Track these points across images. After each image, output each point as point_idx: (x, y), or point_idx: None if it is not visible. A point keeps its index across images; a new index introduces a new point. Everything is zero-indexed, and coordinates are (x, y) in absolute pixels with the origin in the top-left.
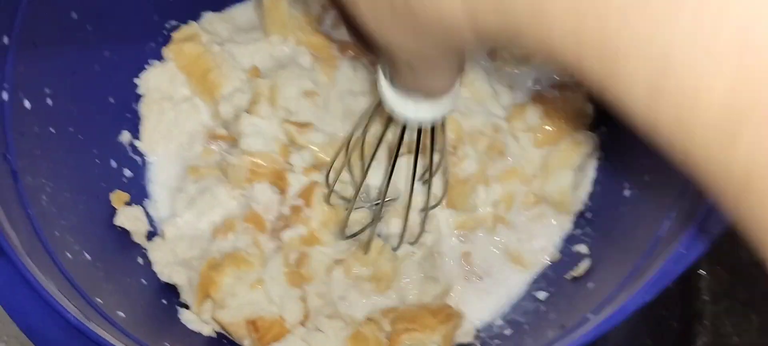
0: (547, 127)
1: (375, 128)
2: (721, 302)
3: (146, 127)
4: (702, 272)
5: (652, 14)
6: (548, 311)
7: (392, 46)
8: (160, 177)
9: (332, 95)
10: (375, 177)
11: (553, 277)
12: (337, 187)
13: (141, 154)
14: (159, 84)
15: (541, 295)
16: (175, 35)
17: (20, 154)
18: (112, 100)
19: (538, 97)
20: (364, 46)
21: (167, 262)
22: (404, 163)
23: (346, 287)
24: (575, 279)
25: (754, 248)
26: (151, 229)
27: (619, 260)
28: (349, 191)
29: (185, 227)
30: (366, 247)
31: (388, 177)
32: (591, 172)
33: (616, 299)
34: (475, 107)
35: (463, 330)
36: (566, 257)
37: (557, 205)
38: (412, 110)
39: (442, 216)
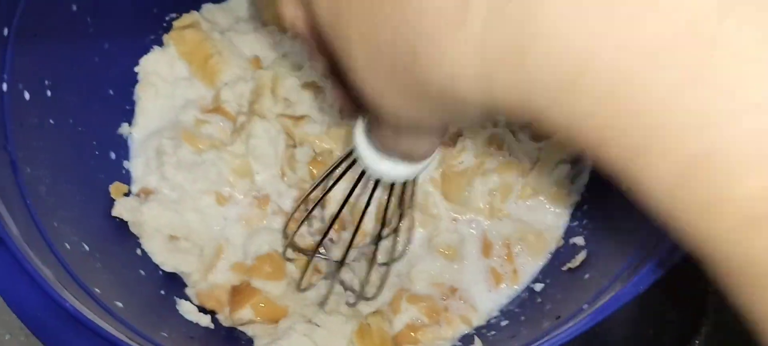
0: None
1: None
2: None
3: (141, 108)
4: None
5: (690, 115)
6: (544, 302)
7: (385, 111)
8: (148, 130)
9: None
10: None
11: (549, 268)
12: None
13: None
14: (158, 68)
15: (538, 286)
16: (176, 22)
17: (19, 146)
18: (111, 91)
19: None
20: (351, 102)
21: (162, 250)
22: (371, 212)
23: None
24: (571, 270)
25: (757, 336)
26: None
27: (615, 251)
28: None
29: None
30: (324, 301)
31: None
32: (587, 162)
33: (611, 289)
34: None
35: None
36: (563, 248)
37: (553, 197)
38: (389, 167)
39: (441, 206)
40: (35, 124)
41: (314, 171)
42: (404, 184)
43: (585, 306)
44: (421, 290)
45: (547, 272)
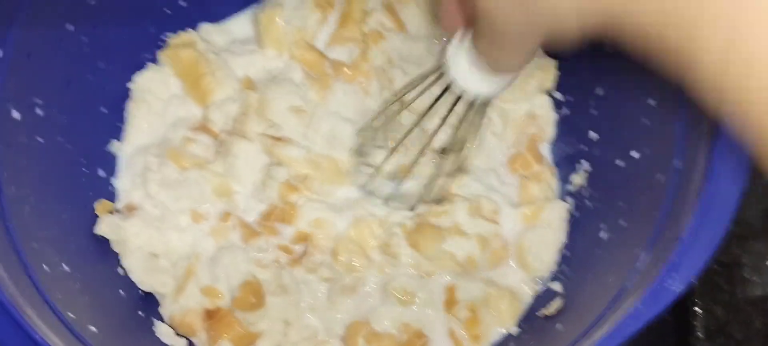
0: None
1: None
2: (716, 339)
3: (132, 125)
4: (697, 309)
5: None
6: None
7: (499, 16)
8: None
9: (321, 113)
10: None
11: (525, 314)
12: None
13: None
14: (152, 86)
15: (514, 330)
16: (172, 40)
17: (5, 165)
18: (103, 109)
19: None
20: (456, 16)
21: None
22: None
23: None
24: (546, 318)
25: None
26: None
27: (588, 305)
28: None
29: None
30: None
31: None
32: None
33: None
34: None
35: None
36: (541, 293)
37: (526, 267)
38: (477, 80)
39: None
40: (23, 144)
41: (285, 193)
42: (478, 108)
43: None
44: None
45: (525, 317)
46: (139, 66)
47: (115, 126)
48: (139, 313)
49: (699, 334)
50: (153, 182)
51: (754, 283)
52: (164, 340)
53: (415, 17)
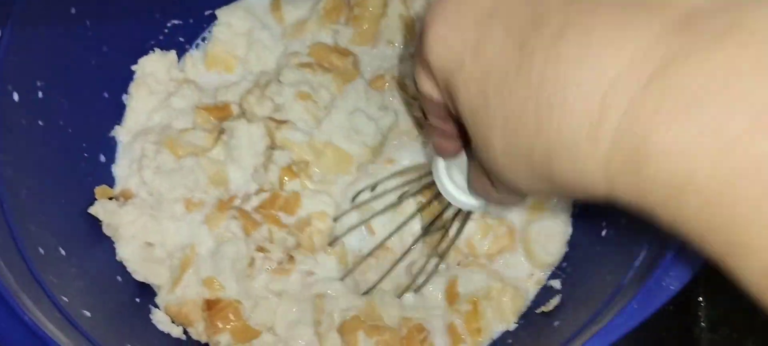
0: None
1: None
2: (719, 329)
3: (131, 107)
4: (700, 299)
5: None
6: (514, 344)
7: (509, 181)
8: (136, 131)
9: (340, 106)
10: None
11: (525, 310)
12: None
13: None
14: (155, 69)
15: (513, 326)
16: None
17: (3, 147)
18: (106, 94)
19: None
20: (450, 147)
21: (137, 258)
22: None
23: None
24: (544, 314)
25: None
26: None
27: (585, 302)
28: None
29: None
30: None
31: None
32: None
33: (570, 345)
34: None
35: None
36: (541, 290)
37: (533, 258)
38: (465, 199)
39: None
40: (23, 126)
41: (285, 178)
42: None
43: None
44: (388, 321)
45: (524, 313)
46: (145, 53)
47: (117, 112)
48: (136, 300)
49: (702, 324)
50: (148, 169)
51: None
52: (160, 327)
53: None
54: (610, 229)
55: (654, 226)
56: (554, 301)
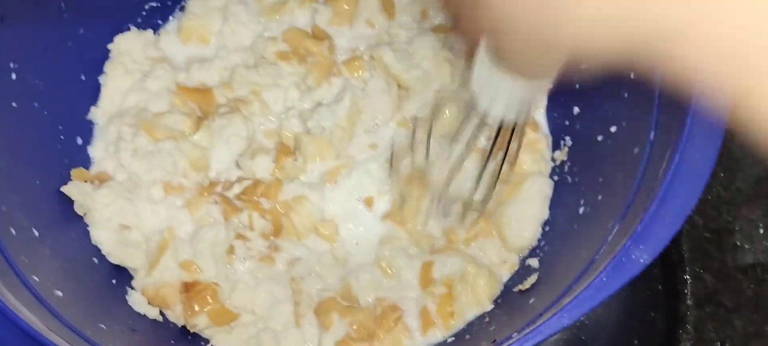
0: None
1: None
2: (705, 307)
3: (107, 87)
4: (687, 277)
5: None
6: (491, 322)
7: (522, 31)
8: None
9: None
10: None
11: (504, 289)
12: None
13: None
14: (131, 48)
15: (489, 308)
16: None
17: None
18: (83, 76)
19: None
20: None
21: (112, 241)
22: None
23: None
24: (521, 292)
25: None
26: None
27: (561, 278)
28: None
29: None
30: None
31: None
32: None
33: (543, 320)
34: None
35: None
36: (519, 269)
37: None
38: (508, 91)
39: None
40: None
41: (267, 165)
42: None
43: (513, 334)
44: (362, 300)
45: (502, 292)
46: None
47: (94, 95)
48: (113, 281)
49: (689, 302)
50: (125, 152)
51: (745, 250)
52: (136, 308)
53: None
54: (588, 206)
55: (626, 201)
56: (531, 279)
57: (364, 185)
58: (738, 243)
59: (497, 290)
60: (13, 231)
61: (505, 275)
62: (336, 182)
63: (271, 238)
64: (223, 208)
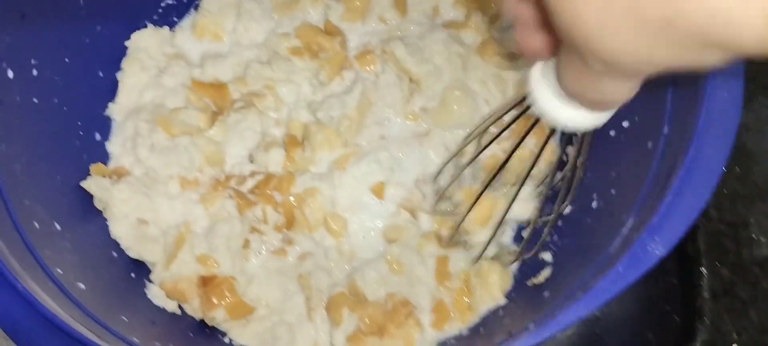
0: None
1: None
2: (722, 299)
3: (124, 84)
4: (703, 269)
5: None
6: (505, 316)
7: (604, 48)
8: (129, 109)
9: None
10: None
11: (517, 283)
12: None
13: None
14: (148, 45)
15: (503, 302)
16: None
17: None
18: (101, 73)
19: None
20: (537, 43)
21: (131, 236)
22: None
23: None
24: (535, 286)
25: None
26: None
27: (575, 272)
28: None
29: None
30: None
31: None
32: None
33: (560, 311)
34: None
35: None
36: (532, 263)
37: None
38: (572, 115)
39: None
40: (17, 103)
41: (279, 159)
42: (581, 136)
43: (530, 326)
44: (371, 295)
45: (515, 286)
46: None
47: (112, 91)
48: (132, 275)
49: (705, 295)
50: (142, 147)
51: (761, 243)
52: (155, 302)
53: None
54: (601, 200)
55: (641, 194)
56: (545, 273)
57: (374, 172)
58: (754, 237)
59: (508, 284)
60: (37, 225)
61: (516, 267)
62: (345, 169)
63: (284, 230)
64: (237, 202)
